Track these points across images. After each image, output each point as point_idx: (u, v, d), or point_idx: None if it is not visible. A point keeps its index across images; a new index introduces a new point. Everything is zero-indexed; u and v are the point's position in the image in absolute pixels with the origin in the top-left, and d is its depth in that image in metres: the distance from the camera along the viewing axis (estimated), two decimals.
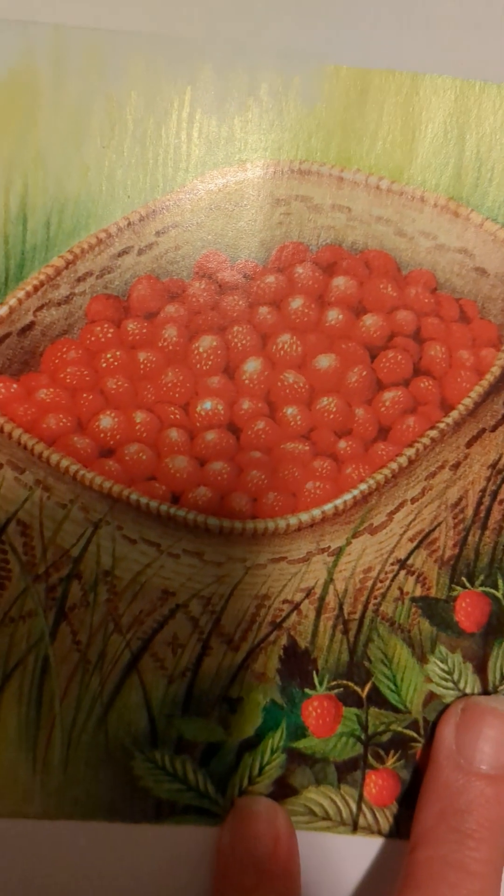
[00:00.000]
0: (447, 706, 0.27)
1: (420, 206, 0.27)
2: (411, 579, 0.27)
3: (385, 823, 0.27)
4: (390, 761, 0.27)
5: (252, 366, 0.27)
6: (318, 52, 0.26)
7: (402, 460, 0.26)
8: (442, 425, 0.27)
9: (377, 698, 0.27)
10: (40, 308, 0.26)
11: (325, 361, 0.27)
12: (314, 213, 0.27)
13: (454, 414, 0.27)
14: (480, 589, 0.27)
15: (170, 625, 0.26)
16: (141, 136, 0.26)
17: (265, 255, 0.27)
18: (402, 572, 0.27)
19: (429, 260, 0.27)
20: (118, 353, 0.27)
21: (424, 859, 0.25)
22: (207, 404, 0.26)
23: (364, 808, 0.27)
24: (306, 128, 0.26)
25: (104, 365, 0.27)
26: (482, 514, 0.27)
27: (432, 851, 0.25)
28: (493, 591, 0.27)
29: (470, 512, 0.27)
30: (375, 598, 0.27)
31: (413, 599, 0.27)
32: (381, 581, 0.27)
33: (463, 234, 0.27)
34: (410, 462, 0.26)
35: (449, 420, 0.27)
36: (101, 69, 0.25)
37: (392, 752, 0.27)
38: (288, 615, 0.26)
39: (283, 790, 0.27)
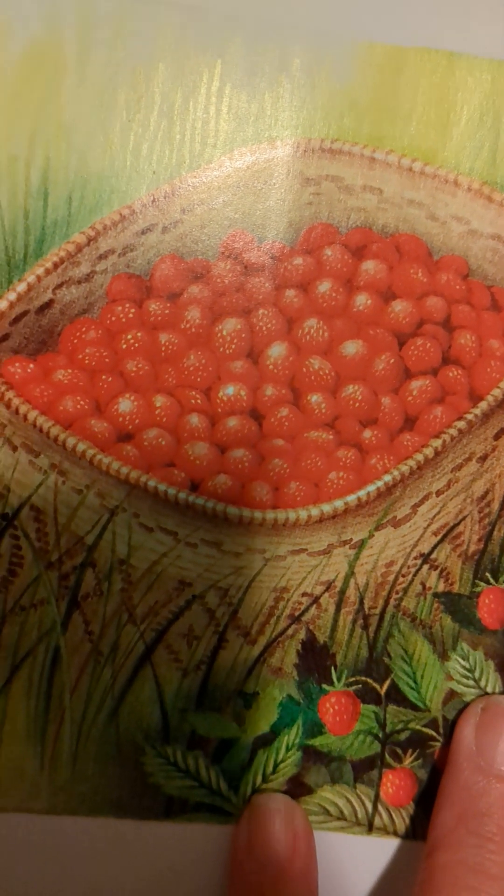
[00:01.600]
0: (467, 705, 0.26)
1: (453, 190, 0.26)
2: (434, 574, 0.26)
3: (401, 824, 0.27)
4: (408, 760, 0.27)
5: (277, 350, 0.26)
6: (351, 28, 0.25)
7: (429, 451, 0.26)
8: (470, 416, 0.26)
9: (396, 696, 0.26)
10: (60, 286, 0.25)
11: (351, 348, 0.26)
12: (345, 193, 0.26)
13: (483, 405, 0.26)
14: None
15: (185, 616, 0.25)
16: (168, 111, 0.25)
17: (293, 236, 0.26)
18: (425, 567, 0.26)
19: (461, 245, 0.26)
20: (139, 334, 0.26)
21: (443, 863, 0.25)
22: (230, 389, 0.26)
23: (380, 808, 0.26)
24: (338, 106, 0.25)
25: (124, 346, 0.26)
26: None
27: (451, 855, 0.25)
28: None
29: (496, 506, 0.26)
30: (397, 592, 0.26)
31: (435, 595, 0.26)
32: (404, 575, 0.26)
33: (496, 219, 0.26)
34: (437, 453, 0.26)
35: (477, 411, 0.26)
36: (127, 40, 0.24)
37: (410, 751, 0.27)
38: (307, 609, 0.26)
39: (297, 788, 0.26)
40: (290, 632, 0.26)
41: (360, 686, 0.26)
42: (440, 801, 0.26)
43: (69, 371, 0.25)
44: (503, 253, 0.27)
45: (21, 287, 0.25)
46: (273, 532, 0.25)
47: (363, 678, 0.26)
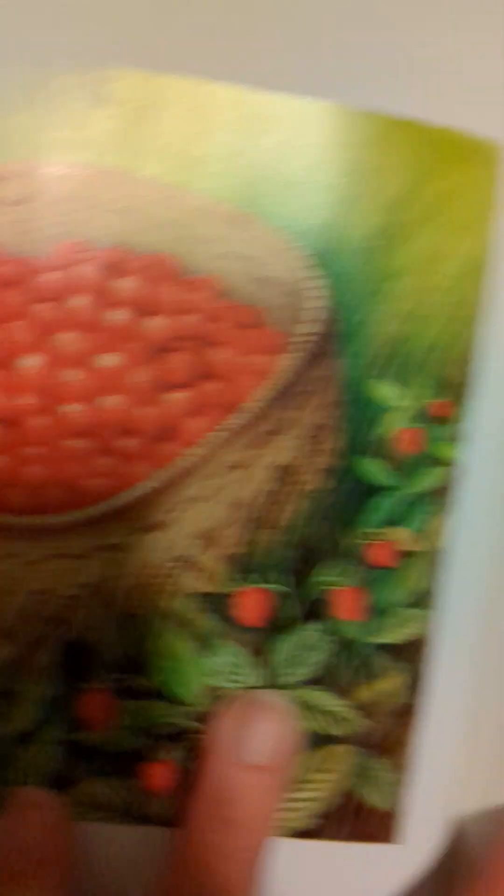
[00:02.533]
0: (225, 699, 0.28)
1: (209, 214, 0.27)
2: (194, 576, 0.28)
3: (163, 813, 0.28)
4: (170, 753, 0.28)
5: (30, 362, 0.26)
6: (105, 54, 0.25)
7: (188, 460, 0.27)
8: (228, 427, 0.27)
9: (158, 692, 0.28)
10: None
11: (107, 360, 0.27)
12: (101, 211, 0.27)
13: (240, 416, 0.27)
14: (263, 585, 0.28)
15: None
16: None
17: (48, 251, 0.26)
18: (186, 569, 0.27)
19: (216, 266, 0.27)
20: None
21: (192, 846, 0.26)
22: None
23: (144, 799, 0.28)
24: (98, 128, 0.26)
25: None
26: (266, 514, 0.28)
27: (199, 837, 0.26)
28: (276, 586, 0.28)
29: (254, 512, 0.28)
30: (159, 594, 0.27)
31: (196, 595, 0.28)
32: (165, 577, 0.27)
33: (252, 242, 0.27)
34: (196, 462, 0.27)
35: (235, 422, 0.27)
36: None
37: (173, 743, 0.28)
38: (68, 610, 0.27)
39: (60, 782, 0.27)
40: (50, 632, 0.27)
41: (121, 683, 0.27)
42: (195, 789, 0.27)
43: None
44: (257, 275, 0.28)
45: None
46: (31, 537, 0.26)
47: (125, 675, 0.27)
